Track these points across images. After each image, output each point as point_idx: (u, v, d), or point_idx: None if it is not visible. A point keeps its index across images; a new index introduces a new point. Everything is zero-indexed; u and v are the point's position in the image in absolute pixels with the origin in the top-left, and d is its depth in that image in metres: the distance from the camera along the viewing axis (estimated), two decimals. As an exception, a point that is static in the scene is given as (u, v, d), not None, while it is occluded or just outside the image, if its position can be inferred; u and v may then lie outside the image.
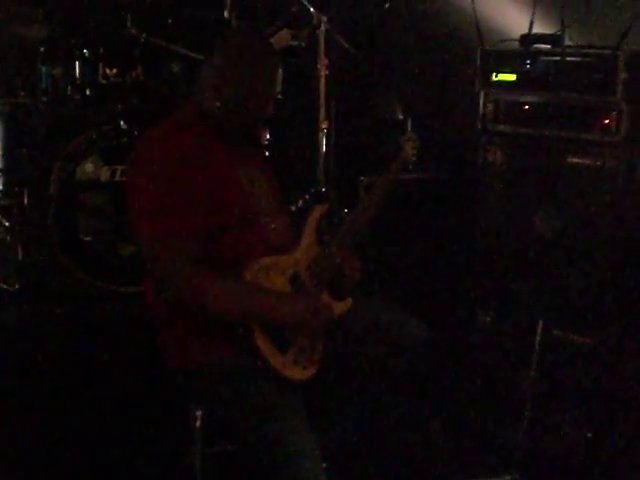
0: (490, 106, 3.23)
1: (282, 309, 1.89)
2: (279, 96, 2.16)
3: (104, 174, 3.35)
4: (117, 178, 3.35)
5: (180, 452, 2.30)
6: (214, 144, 1.99)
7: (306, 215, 2.13)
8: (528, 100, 3.13)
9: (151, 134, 2.03)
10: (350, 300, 2.08)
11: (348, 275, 2.12)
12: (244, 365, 1.90)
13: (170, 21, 3.78)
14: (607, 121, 2.91)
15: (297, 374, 1.93)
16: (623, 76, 2.86)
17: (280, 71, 2.05)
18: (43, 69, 3.51)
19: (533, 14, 3.14)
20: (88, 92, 3.45)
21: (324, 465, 1.82)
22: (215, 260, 1.90)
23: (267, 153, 3.50)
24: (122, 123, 3.37)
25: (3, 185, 3.64)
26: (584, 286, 2.96)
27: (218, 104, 1.98)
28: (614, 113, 2.90)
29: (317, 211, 2.15)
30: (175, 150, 1.90)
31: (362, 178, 4.48)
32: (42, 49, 3.49)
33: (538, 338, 2.63)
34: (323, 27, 3.94)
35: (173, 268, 1.83)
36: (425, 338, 2.22)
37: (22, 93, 3.52)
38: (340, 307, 2.05)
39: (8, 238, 3.48)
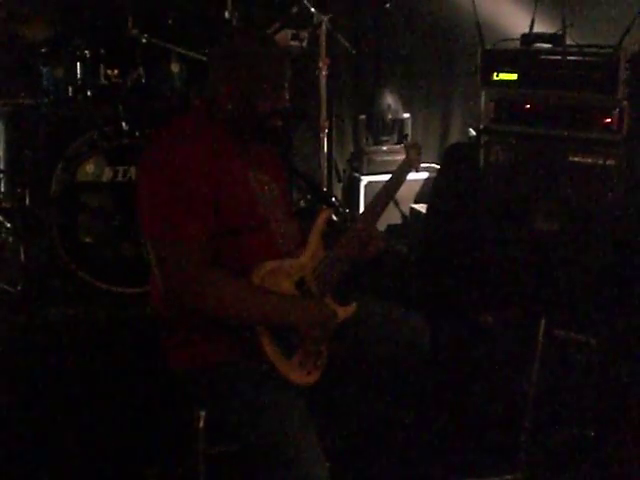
0: (491, 105, 3.23)
1: (290, 312, 1.89)
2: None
3: (106, 175, 3.35)
4: (119, 179, 3.35)
5: (183, 453, 2.30)
6: (226, 146, 1.98)
7: (312, 219, 2.12)
8: (529, 99, 3.12)
9: (162, 134, 2.02)
10: (354, 306, 2.07)
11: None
12: (249, 368, 1.89)
13: (171, 22, 3.79)
14: (608, 120, 2.92)
15: (302, 378, 1.93)
16: (624, 75, 2.86)
17: (288, 60, 2.03)
18: (44, 70, 3.51)
19: (534, 13, 3.15)
20: (89, 93, 3.46)
21: (328, 465, 1.81)
22: (223, 263, 1.89)
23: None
24: (123, 124, 3.37)
25: (5, 186, 3.65)
26: (586, 285, 2.96)
27: (230, 107, 1.98)
28: (615, 112, 2.90)
29: (323, 215, 2.14)
30: (186, 152, 1.88)
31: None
32: (43, 50, 3.50)
33: (540, 337, 2.63)
34: (324, 27, 3.95)
35: (181, 271, 1.82)
36: (427, 336, 2.23)
37: (23, 94, 3.52)
38: (344, 312, 2.05)
39: (10, 239, 3.49)
